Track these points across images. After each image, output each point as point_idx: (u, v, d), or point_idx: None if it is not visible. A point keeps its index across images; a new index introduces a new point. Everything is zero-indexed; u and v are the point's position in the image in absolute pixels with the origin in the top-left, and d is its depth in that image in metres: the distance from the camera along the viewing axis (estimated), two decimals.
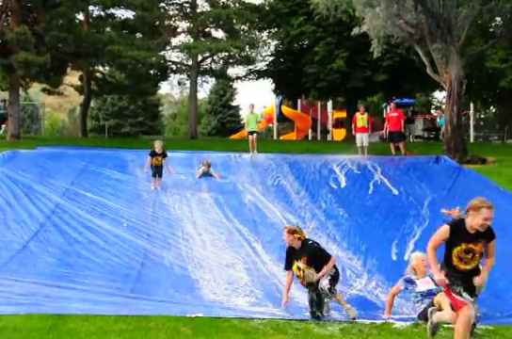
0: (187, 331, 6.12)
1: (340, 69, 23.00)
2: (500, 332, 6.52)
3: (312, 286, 7.32)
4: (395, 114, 18.44)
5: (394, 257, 10.34)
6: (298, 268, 7.39)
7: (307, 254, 7.36)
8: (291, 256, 7.56)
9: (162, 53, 25.78)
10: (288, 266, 7.64)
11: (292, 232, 7.51)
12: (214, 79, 32.75)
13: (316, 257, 7.39)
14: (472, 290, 5.31)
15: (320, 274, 7.27)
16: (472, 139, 30.10)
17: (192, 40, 25.66)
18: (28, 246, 10.28)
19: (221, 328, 6.34)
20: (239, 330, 6.29)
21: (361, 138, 17.89)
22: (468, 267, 5.38)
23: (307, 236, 7.77)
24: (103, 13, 25.13)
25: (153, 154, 13.83)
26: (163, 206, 12.84)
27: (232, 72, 36.97)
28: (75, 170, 14.42)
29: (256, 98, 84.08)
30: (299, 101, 36.01)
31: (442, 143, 18.65)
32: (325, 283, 7.22)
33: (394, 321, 7.00)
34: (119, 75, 27.33)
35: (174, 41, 27.80)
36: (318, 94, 26.69)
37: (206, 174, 14.60)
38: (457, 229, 5.48)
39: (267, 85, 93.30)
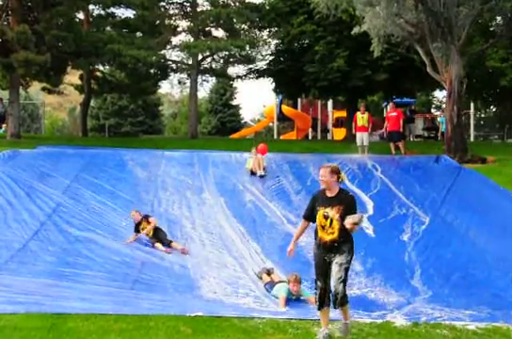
0: (187, 331, 6.12)
1: (340, 68, 22.98)
2: (500, 332, 6.52)
3: (331, 248, 6.02)
4: (394, 113, 18.54)
5: (394, 257, 10.34)
6: (325, 217, 6.05)
7: (343, 204, 6.03)
8: (315, 202, 6.24)
9: (162, 52, 25.74)
10: (308, 214, 6.31)
11: (336, 171, 6.17)
12: (214, 78, 32.73)
13: (350, 211, 6.02)
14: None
15: (350, 225, 5.90)
16: (472, 139, 30.09)
17: (192, 39, 25.64)
18: (28, 245, 10.30)
19: (221, 327, 6.34)
20: (239, 329, 6.29)
21: (361, 138, 17.93)
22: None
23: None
24: (103, 12, 25.07)
25: (137, 229, 11.17)
26: (162, 206, 12.86)
27: (232, 71, 37.01)
28: (76, 170, 14.42)
29: (256, 97, 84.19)
30: (299, 100, 35.99)
31: (442, 143, 18.65)
32: (345, 261, 6.02)
33: (394, 320, 7.01)
34: (119, 74, 27.31)
35: (174, 41, 27.83)
36: (318, 93, 26.61)
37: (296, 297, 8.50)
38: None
39: (267, 84, 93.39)
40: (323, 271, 6.09)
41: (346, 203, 6.03)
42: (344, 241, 6.02)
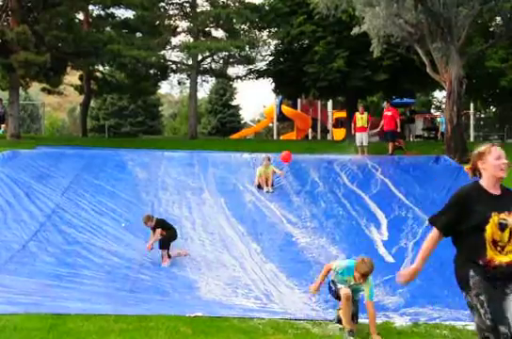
0: (187, 331, 6.10)
1: (340, 68, 23.00)
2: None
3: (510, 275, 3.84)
4: (389, 113, 18.47)
5: (394, 257, 10.33)
6: (501, 227, 3.82)
7: None
8: (471, 204, 3.87)
9: (162, 52, 25.79)
10: (451, 222, 3.96)
11: None
12: (214, 79, 32.77)
13: None
14: None
15: None
16: (471, 139, 30.08)
17: (192, 39, 25.67)
18: (28, 245, 10.29)
19: (221, 327, 6.32)
20: (239, 329, 6.28)
21: (361, 138, 17.93)
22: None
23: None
24: (103, 13, 25.14)
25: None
26: (162, 206, 12.85)
27: (231, 71, 37.00)
28: (75, 170, 14.42)
29: (256, 97, 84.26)
30: (299, 100, 36.00)
31: (442, 143, 18.66)
32: None
33: (394, 320, 7.00)
34: (119, 75, 27.33)
35: (174, 41, 27.85)
36: (318, 94, 26.65)
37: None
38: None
39: (267, 84, 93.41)
40: (505, 308, 3.80)
41: None
42: None
